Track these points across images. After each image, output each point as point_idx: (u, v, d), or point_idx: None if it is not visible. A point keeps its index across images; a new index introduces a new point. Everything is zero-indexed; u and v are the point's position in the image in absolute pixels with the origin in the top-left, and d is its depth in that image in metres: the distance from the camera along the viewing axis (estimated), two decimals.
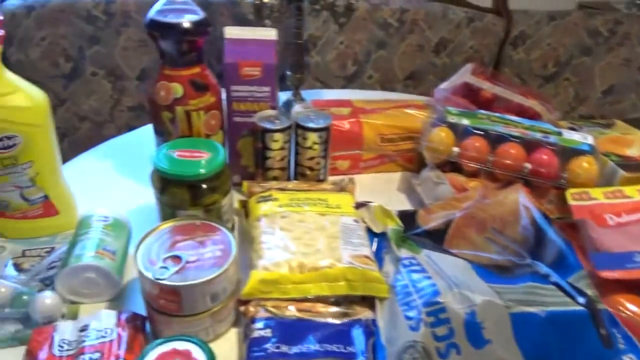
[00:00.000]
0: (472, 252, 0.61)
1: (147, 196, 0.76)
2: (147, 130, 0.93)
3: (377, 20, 1.26)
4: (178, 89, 0.65)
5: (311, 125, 0.69)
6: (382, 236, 0.65)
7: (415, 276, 0.55)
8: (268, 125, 0.68)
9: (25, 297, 0.53)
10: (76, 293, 0.56)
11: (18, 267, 0.60)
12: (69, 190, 0.67)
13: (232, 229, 0.56)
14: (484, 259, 0.60)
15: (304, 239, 0.59)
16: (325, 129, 0.70)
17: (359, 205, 0.67)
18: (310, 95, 0.98)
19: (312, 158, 0.71)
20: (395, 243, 0.62)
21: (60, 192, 0.65)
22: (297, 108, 0.81)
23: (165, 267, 0.49)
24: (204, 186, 0.59)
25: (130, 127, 1.38)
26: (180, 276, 0.49)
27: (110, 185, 0.78)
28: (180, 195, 0.58)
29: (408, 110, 0.84)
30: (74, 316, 0.55)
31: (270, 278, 0.54)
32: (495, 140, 0.73)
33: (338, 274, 0.55)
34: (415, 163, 0.85)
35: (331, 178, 0.76)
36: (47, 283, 0.58)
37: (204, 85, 0.66)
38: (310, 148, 0.70)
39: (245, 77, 0.69)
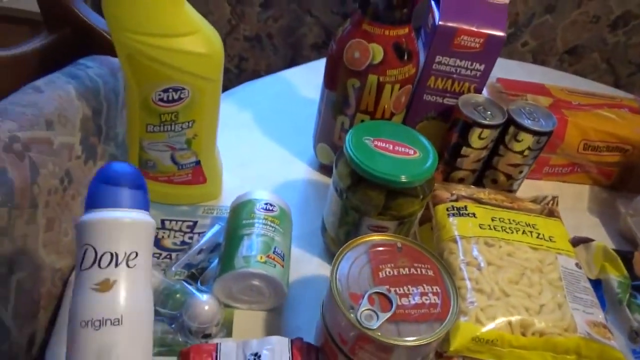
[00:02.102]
0: None
1: (295, 171, 0.63)
2: (293, 76, 0.79)
3: None
4: (378, 53, 0.50)
5: (530, 125, 0.53)
6: (595, 283, 0.51)
7: None
8: (477, 117, 0.53)
9: (178, 296, 0.43)
10: (233, 298, 0.46)
11: (159, 244, 0.51)
12: (219, 157, 0.55)
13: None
14: None
15: (522, 284, 0.45)
16: (547, 134, 0.54)
17: (577, 241, 0.53)
18: None
19: (516, 165, 0.56)
20: (627, 303, 0.48)
21: (212, 159, 0.53)
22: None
23: (374, 311, 0.37)
24: (408, 194, 0.45)
25: (242, 58, 1.25)
26: (392, 328, 0.37)
27: (249, 147, 0.66)
28: (376, 200, 0.45)
29: (623, 112, 0.66)
30: (228, 325, 0.45)
31: (486, 337, 0.41)
32: None
33: (570, 345, 0.42)
34: (613, 179, 0.68)
35: (525, 190, 0.61)
36: (194, 273, 0.48)
37: (409, 52, 0.51)
38: (520, 153, 0.55)
39: (458, 48, 0.52)
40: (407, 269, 0.41)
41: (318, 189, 0.61)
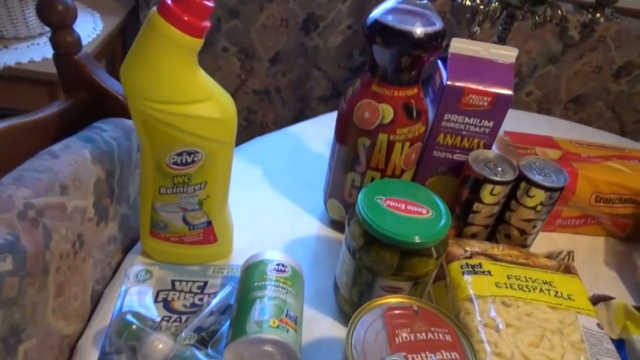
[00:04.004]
0: None
1: (306, 226, 0.63)
2: (302, 130, 0.81)
3: (556, 31, 1.06)
4: (388, 113, 0.51)
5: (541, 180, 0.53)
6: (618, 343, 0.50)
7: None
8: (488, 174, 0.53)
9: None
10: None
11: (170, 306, 0.50)
12: (230, 217, 0.55)
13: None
14: None
15: (543, 348, 0.44)
16: (559, 189, 0.54)
17: (597, 300, 0.51)
18: None
19: (529, 220, 0.56)
20: None
21: (224, 219, 0.53)
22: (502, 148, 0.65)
23: None
24: (422, 254, 0.45)
25: (250, 111, 1.27)
26: None
27: (259, 202, 0.66)
28: (390, 261, 0.44)
29: (633, 164, 0.66)
30: None
31: None
32: None
33: None
34: (627, 231, 0.67)
35: (539, 246, 0.60)
36: (204, 337, 0.47)
37: (418, 112, 0.52)
38: (532, 208, 0.54)
39: (466, 107, 0.53)
40: (424, 334, 0.40)
41: (329, 244, 0.61)
